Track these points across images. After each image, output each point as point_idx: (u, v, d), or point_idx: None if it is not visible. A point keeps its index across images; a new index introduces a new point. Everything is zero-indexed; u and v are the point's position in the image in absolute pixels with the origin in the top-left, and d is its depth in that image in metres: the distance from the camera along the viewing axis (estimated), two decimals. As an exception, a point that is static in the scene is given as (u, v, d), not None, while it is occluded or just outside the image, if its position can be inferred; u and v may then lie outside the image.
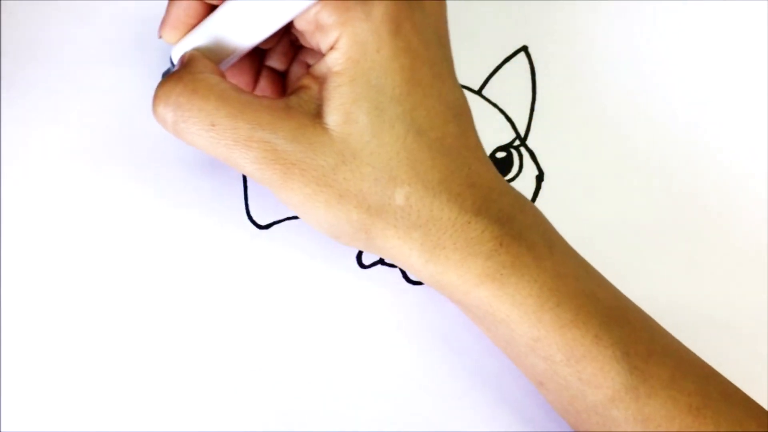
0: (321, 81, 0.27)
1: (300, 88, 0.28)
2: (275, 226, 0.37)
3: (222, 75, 0.29)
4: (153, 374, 0.35)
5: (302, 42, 0.30)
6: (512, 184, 0.37)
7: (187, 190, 0.37)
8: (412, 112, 0.27)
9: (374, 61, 0.26)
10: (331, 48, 0.27)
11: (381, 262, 0.37)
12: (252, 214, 0.37)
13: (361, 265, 0.37)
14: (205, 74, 0.28)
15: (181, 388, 0.35)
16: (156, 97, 0.28)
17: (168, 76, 0.28)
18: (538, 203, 0.37)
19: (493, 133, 0.38)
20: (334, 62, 0.27)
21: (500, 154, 0.38)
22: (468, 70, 0.38)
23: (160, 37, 0.31)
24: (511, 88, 0.38)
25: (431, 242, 0.27)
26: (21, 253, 0.36)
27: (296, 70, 0.33)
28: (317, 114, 0.27)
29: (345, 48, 0.26)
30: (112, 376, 0.35)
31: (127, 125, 0.38)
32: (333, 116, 0.27)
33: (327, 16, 0.26)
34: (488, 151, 0.38)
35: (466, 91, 0.38)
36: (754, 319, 0.36)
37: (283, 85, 0.33)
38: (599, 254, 0.36)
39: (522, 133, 0.38)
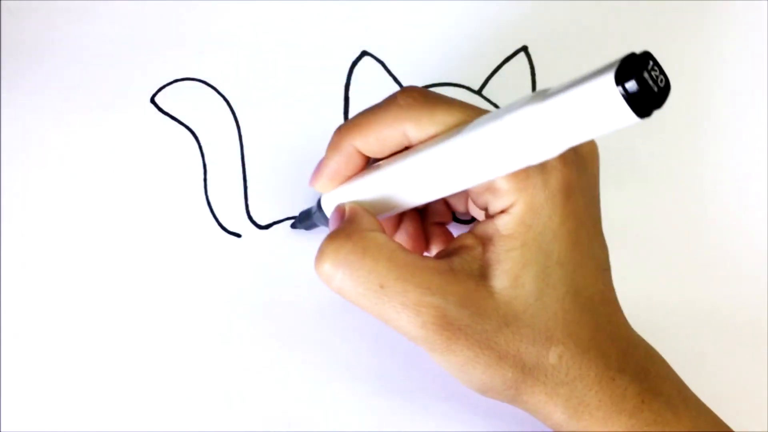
0: (486, 242, 0.27)
1: (461, 248, 0.28)
2: (275, 226, 0.37)
3: (385, 232, 0.28)
4: (153, 374, 0.35)
5: (452, 202, 0.30)
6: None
7: (186, 190, 0.37)
8: (572, 274, 0.27)
9: (546, 226, 0.27)
10: (503, 211, 0.27)
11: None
12: (252, 214, 0.37)
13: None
14: (374, 233, 0.27)
15: (182, 388, 0.35)
16: (323, 253, 0.27)
17: (335, 232, 0.28)
18: (538, 203, 0.37)
19: (493, 133, 0.38)
20: (505, 225, 0.27)
21: (500, 154, 0.38)
22: (468, 70, 0.38)
23: (312, 185, 0.31)
24: (511, 88, 0.38)
25: (576, 399, 0.27)
26: (21, 253, 0.36)
27: (436, 207, 0.33)
28: (482, 275, 0.27)
29: (520, 214, 0.26)
30: (112, 376, 0.35)
31: (127, 125, 0.38)
32: (501, 280, 0.27)
33: (504, 182, 0.26)
34: (488, 151, 0.38)
35: (466, 91, 0.38)
36: (754, 319, 0.36)
37: (422, 223, 0.33)
38: (599, 254, 0.36)
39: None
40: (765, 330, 0.36)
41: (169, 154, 0.38)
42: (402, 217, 0.32)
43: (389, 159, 0.29)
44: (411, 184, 0.28)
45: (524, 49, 0.39)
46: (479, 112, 0.27)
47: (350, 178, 0.30)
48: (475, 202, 0.28)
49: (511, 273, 0.27)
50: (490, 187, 0.27)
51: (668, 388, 0.28)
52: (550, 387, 0.27)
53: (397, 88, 0.38)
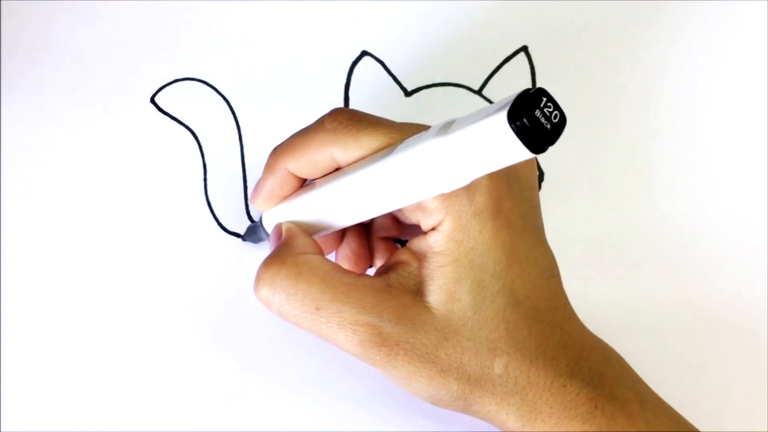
0: (420, 258, 0.28)
1: (398, 264, 0.29)
2: (275, 226, 0.37)
3: (321, 251, 0.29)
4: (153, 374, 0.35)
5: (398, 216, 0.31)
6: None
7: (187, 190, 0.37)
8: (511, 285, 0.28)
9: (477, 241, 0.27)
10: (434, 229, 0.27)
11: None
12: (252, 214, 0.37)
13: (361, 265, 0.37)
14: (308, 256, 0.28)
15: (182, 388, 0.35)
16: (260, 279, 0.28)
17: (270, 257, 0.28)
18: (538, 203, 0.37)
19: (493, 133, 0.38)
20: (436, 242, 0.27)
21: (500, 154, 0.38)
22: (468, 70, 0.38)
23: (251, 203, 0.32)
24: (511, 88, 0.38)
25: (528, 407, 0.27)
26: (21, 253, 0.36)
27: (382, 221, 0.33)
28: (418, 291, 0.28)
29: (449, 230, 0.27)
30: (112, 376, 0.35)
31: (127, 125, 0.38)
32: (436, 295, 0.27)
33: (431, 201, 0.27)
34: (488, 151, 0.38)
35: (466, 91, 0.38)
36: (754, 319, 0.36)
37: (367, 237, 0.33)
38: (599, 254, 0.36)
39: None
40: (765, 330, 0.36)
41: (169, 154, 0.38)
42: (345, 232, 0.33)
43: (321, 180, 0.30)
44: (338, 205, 0.29)
45: (524, 49, 0.39)
46: (406, 134, 0.27)
47: (287, 197, 0.31)
48: (407, 220, 0.29)
49: (445, 288, 0.27)
50: (419, 206, 0.27)
51: (624, 391, 0.28)
52: (499, 396, 0.27)
53: (397, 88, 0.38)
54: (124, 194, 0.37)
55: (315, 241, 0.30)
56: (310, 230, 0.30)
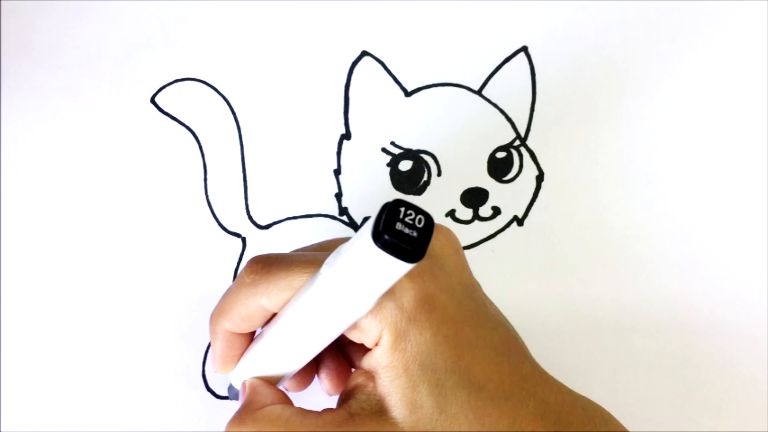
0: (373, 376, 0.28)
1: (356, 388, 0.28)
2: (275, 226, 0.37)
3: (284, 398, 0.30)
4: (153, 374, 0.35)
5: (347, 337, 0.30)
6: (512, 184, 0.38)
7: (187, 190, 0.37)
8: (467, 374, 0.27)
9: (420, 344, 0.27)
10: (377, 344, 0.27)
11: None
12: (252, 214, 0.37)
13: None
14: (267, 409, 0.29)
15: (182, 388, 0.35)
16: None
17: (233, 418, 0.29)
18: (538, 203, 0.37)
19: (493, 133, 0.38)
20: (382, 357, 0.27)
21: (500, 154, 0.38)
22: (468, 70, 0.38)
23: (217, 371, 0.31)
24: (511, 88, 0.38)
25: None
26: (21, 253, 0.36)
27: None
28: (380, 411, 0.27)
29: (389, 343, 0.27)
30: (111, 376, 0.35)
31: (128, 126, 0.38)
32: (398, 410, 0.27)
33: (363, 320, 0.27)
34: (488, 152, 0.38)
35: (466, 91, 0.38)
36: (754, 319, 0.36)
37: (342, 353, 0.33)
38: (599, 254, 0.36)
39: (522, 133, 0.38)
40: (765, 330, 0.36)
41: (169, 154, 0.38)
42: (320, 357, 0.32)
43: (263, 329, 0.30)
44: (285, 349, 0.29)
45: (524, 49, 0.39)
46: (316, 266, 0.27)
47: (242, 353, 0.31)
48: (353, 340, 0.29)
49: (404, 400, 0.27)
50: (355, 326, 0.27)
51: None
52: None
53: (397, 88, 0.38)
54: (124, 194, 0.37)
55: (278, 390, 0.30)
56: (274, 379, 0.30)
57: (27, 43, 0.39)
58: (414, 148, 0.38)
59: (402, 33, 0.39)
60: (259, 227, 0.37)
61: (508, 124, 0.38)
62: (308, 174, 0.38)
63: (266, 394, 0.30)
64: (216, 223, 0.37)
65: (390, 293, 0.26)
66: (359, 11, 0.39)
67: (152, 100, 0.38)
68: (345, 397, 0.29)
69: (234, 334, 0.30)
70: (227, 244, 0.37)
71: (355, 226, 0.37)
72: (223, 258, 0.37)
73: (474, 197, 0.37)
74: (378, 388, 0.27)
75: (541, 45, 0.39)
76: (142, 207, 0.37)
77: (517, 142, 0.38)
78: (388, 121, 0.38)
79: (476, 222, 0.37)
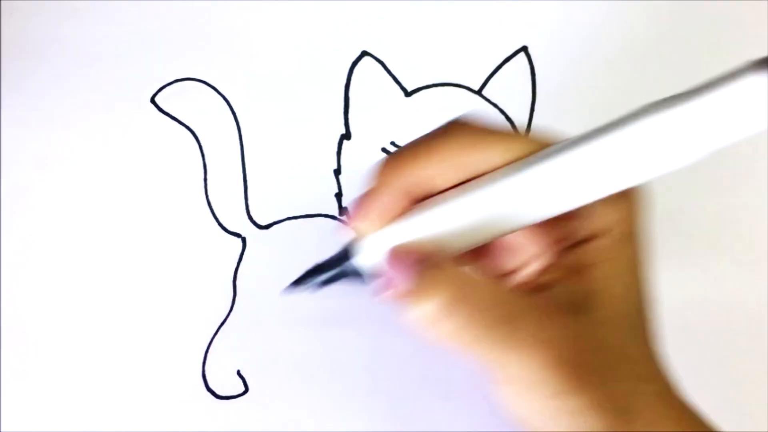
0: (581, 270, 0.25)
1: (557, 280, 0.26)
2: (275, 226, 0.37)
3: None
4: (153, 375, 0.35)
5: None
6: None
7: (187, 190, 0.37)
8: (648, 305, 0.26)
9: (636, 251, 0.26)
10: (595, 236, 0.25)
11: (381, 262, 0.37)
12: (252, 214, 0.37)
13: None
14: (469, 275, 0.25)
15: (182, 388, 0.35)
16: (423, 297, 0.25)
17: (425, 275, 0.25)
18: (538, 203, 0.37)
19: (493, 133, 0.38)
20: (608, 250, 0.25)
21: (500, 154, 0.38)
22: (468, 70, 0.38)
23: (355, 226, 0.27)
24: (511, 88, 0.38)
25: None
26: (21, 253, 0.37)
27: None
28: (586, 308, 0.25)
29: (623, 235, 0.25)
30: (111, 376, 0.35)
31: (128, 126, 0.38)
32: (605, 310, 0.25)
33: (601, 205, 0.25)
34: (488, 151, 0.38)
35: (466, 91, 0.38)
36: (754, 319, 0.36)
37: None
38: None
39: (522, 133, 0.38)
40: (765, 329, 0.36)
41: (169, 155, 0.38)
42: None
43: (460, 189, 0.26)
44: (494, 215, 0.25)
45: (524, 49, 0.39)
46: (541, 142, 0.25)
47: (396, 218, 0.26)
48: (558, 230, 0.26)
49: (614, 300, 0.25)
50: (580, 212, 0.25)
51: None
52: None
53: (397, 88, 0.38)
54: (124, 194, 0.37)
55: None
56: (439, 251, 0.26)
57: (27, 43, 0.39)
58: (414, 148, 0.38)
59: (402, 33, 0.39)
60: (259, 227, 0.37)
61: (508, 124, 0.38)
62: (308, 174, 0.38)
63: (451, 261, 0.25)
64: (216, 223, 0.37)
65: (626, 191, 0.24)
66: (359, 11, 0.39)
67: (152, 100, 0.38)
68: (540, 287, 0.26)
69: (408, 190, 0.26)
70: (227, 244, 0.37)
71: (355, 226, 0.37)
72: (223, 258, 0.37)
73: (474, 197, 0.37)
74: (587, 284, 0.25)
75: (541, 45, 0.39)
76: (141, 207, 0.37)
77: (517, 142, 0.38)
78: (388, 121, 0.38)
79: (476, 222, 0.37)
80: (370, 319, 0.36)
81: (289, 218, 0.37)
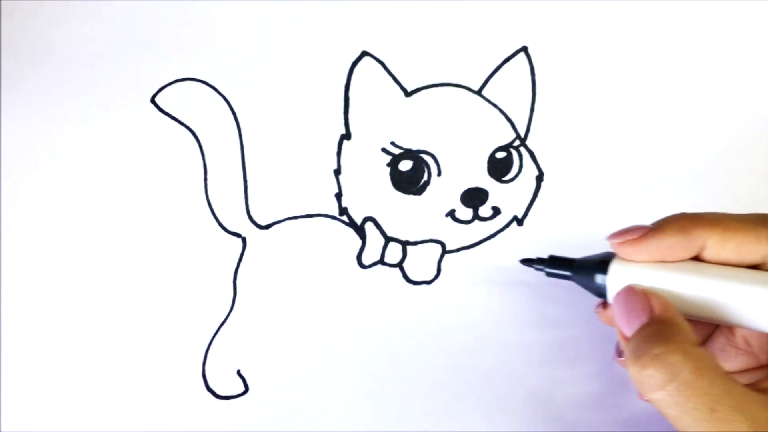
0: None
1: None
2: (275, 226, 0.37)
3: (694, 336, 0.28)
4: (153, 375, 0.35)
5: None
6: (512, 184, 0.38)
7: (187, 190, 0.37)
8: None
9: None
10: None
11: (381, 262, 0.37)
12: (252, 214, 0.37)
13: (361, 265, 0.37)
14: (707, 353, 0.27)
15: (182, 388, 0.35)
16: (656, 360, 0.26)
17: (663, 338, 0.27)
18: (538, 203, 0.38)
19: (493, 133, 0.38)
20: None
21: (500, 154, 0.38)
22: (468, 70, 0.38)
23: (618, 246, 0.29)
24: (511, 88, 0.38)
25: None
26: (21, 253, 0.37)
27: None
28: None
29: None
30: (111, 376, 0.35)
31: (128, 126, 0.38)
32: None
33: None
34: (488, 152, 0.38)
35: (466, 91, 0.38)
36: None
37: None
38: (599, 254, 0.36)
39: (522, 133, 0.38)
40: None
41: (169, 155, 0.38)
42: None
43: (737, 273, 0.28)
44: (745, 309, 0.27)
45: (524, 49, 0.39)
46: None
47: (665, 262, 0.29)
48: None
49: None
50: None
51: None
52: None
53: (397, 88, 0.38)
54: (124, 194, 0.37)
55: (689, 324, 0.28)
56: (680, 310, 0.28)
57: (27, 43, 0.39)
58: (414, 148, 0.38)
59: (402, 33, 0.39)
60: (259, 227, 0.37)
61: (508, 124, 0.38)
62: (308, 174, 0.38)
63: (689, 330, 0.27)
64: (216, 223, 0.37)
65: None
66: (359, 11, 0.39)
67: (152, 100, 0.38)
68: (760, 384, 0.27)
69: (696, 246, 0.28)
70: (227, 244, 0.37)
71: (355, 226, 0.37)
72: (223, 258, 0.37)
73: (474, 197, 0.37)
74: None
75: (541, 45, 0.39)
76: (142, 207, 0.37)
77: (517, 142, 0.38)
78: (388, 121, 0.38)
79: (476, 222, 0.37)
80: (371, 321, 0.36)
81: (289, 218, 0.37)
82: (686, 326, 0.27)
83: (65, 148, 0.38)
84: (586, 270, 0.31)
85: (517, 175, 0.38)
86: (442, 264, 0.37)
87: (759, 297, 0.27)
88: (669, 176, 0.38)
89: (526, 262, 0.34)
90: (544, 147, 0.38)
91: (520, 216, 0.38)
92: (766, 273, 0.27)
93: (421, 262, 0.37)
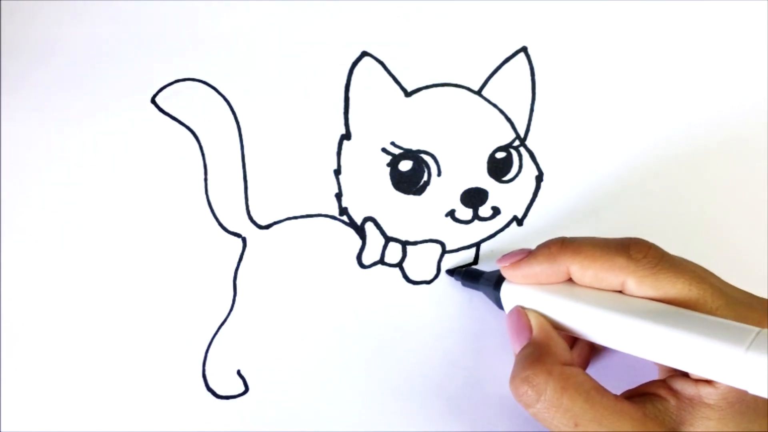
0: (681, 398, 0.28)
1: (654, 396, 0.29)
2: (275, 226, 0.37)
3: (570, 355, 0.30)
4: (153, 375, 0.35)
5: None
6: (512, 184, 0.38)
7: (187, 190, 0.37)
8: None
9: (748, 407, 0.27)
10: (708, 382, 0.27)
11: (381, 262, 0.37)
12: (252, 214, 0.37)
13: (361, 265, 0.37)
14: (572, 369, 0.29)
15: (182, 388, 0.35)
16: (525, 381, 0.29)
17: (534, 360, 0.29)
18: (538, 203, 0.38)
19: (492, 134, 0.38)
20: (708, 395, 0.27)
21: (500, 154, 0.38)
22: (468, 70, 0.38)
23: (502, 270, 0.32)
24: (511, 88, 0.38)
25: None
26: (21, 253, 0.37)
27: None
28: (672, 430, 0.28)
29: (725, 392, 0.27)
30: (111, 376, 0.35)
31: (128, 126, 0.38)
32: None
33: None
34: (488, 152, 0.38)
35: (466, 91, 0.38)
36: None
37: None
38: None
39: (522, 133, 0.38)
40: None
41: (169, 155, 0.38)
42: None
43: (601, 296, 0.29)
44: (622, 335, 0.28)
45: (524, 49, 0.39)
46: (704, 284, 0.28)
47: (538, 283, 0.31)
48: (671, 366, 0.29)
49: None
50: None
51: None
52: None
53: (397, 88, 0.38)
54: (124, 194, 0.37)
55: (565, 344, 0.30)
56: (557, 327, 0.30)
57: (27, 43, 0.39)
58: (414, 148, 0.38)
59: (402, 33, 0.39)
60: (259, 227, 0.37)
61: (508, 125, 0.38)
62: (308, 174, 0.38)
63: (563, 348, 0.30)
64: (216, 223, 0.37)
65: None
66: (359, 11, 0.39)
67: (152, 100, 0.38)
68: (635, 396, 0.29)
69: (566, 273, 0.30)
70: (227, 244, 0.37)
71: (355, 226, 0.37)
72: (223, 258, 0.37)
73: (474, 197, 0.37)
74: (681, 411, 0.28)
75: (541, 45, 0.39)
76: (142, 207, 0.37)
77: (517, 143, 0.38)
78: (388, 121, 0.38)
79: (476, 222, 0.37)
80: (371, 321, 0.36)
81: (289, 218, 0.37)
82: (560, 346, 0.30)
83: (65, 148, 0.38)
84: (488, 284, 0.34)
85: (516, 175, 0.38)
86: (442, 264, 0.37)
87: (612, 322, 0.28)
88: (669, 176, 0.38)
89: (450, 272, 0.37)
90: (543, 147, 0.38)
91: (519, 216, 0.38)
92: (621, 298, 0.29)
93: (421, 262, 0.37)
